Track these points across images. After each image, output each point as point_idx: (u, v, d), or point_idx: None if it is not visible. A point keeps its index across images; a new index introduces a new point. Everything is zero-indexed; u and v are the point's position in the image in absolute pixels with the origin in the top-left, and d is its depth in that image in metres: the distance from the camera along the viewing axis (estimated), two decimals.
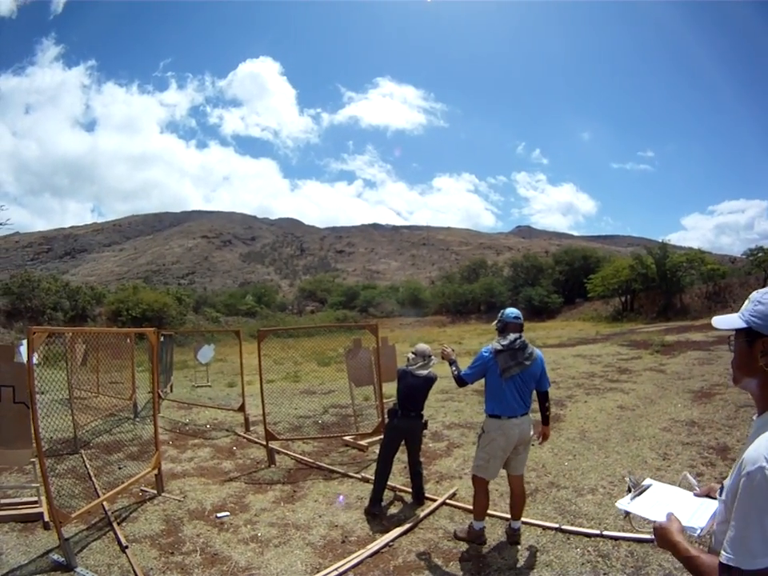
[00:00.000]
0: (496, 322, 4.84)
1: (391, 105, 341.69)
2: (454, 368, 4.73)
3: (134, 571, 4.41)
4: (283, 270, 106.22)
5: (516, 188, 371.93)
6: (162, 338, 12.35)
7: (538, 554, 4.39)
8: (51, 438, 7.59)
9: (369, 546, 4.70)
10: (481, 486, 4.73)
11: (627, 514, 1.99)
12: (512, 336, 4.60)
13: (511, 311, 4.81)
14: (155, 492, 6.27)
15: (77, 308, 28.91)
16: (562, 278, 52.05)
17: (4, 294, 27.41)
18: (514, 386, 4.52)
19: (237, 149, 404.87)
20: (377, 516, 5.41)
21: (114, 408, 10.59)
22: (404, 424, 5.68)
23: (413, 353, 5.83)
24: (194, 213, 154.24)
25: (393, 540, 4.84)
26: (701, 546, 1.74)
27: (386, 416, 6.16)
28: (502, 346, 4.55)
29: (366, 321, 39.39)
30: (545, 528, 4.83)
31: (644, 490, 2.04)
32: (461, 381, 4.66)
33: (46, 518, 5.34)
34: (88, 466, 7.29)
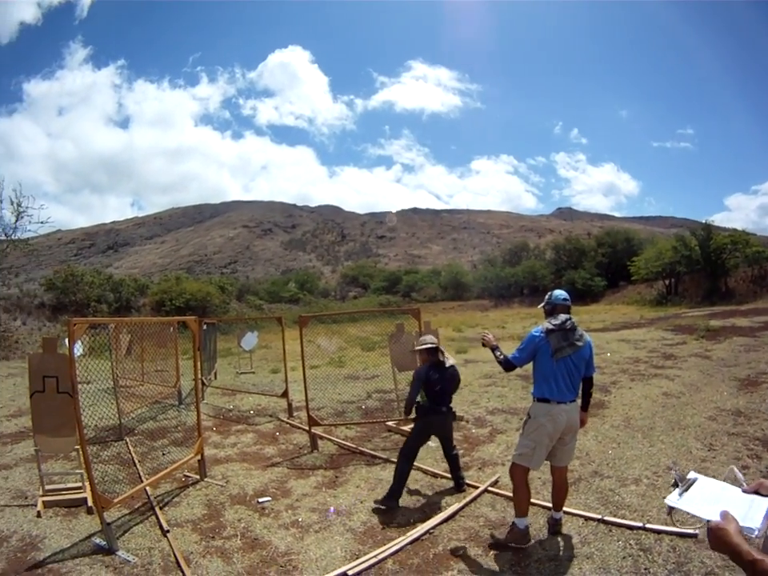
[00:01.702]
0: (544, 303, 4.72)
1: (425, 88, 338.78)
2: (498, 353, 4.56)
3: (174, 555, 4.50)
4: (325, 257, 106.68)
5: (556, 169, 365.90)
6: (205, 327, 12.54)
7: (579, 545, 4.31)
8: (97, 425, 7.78)
9: (409, 533, 4.68)
10: (521, 477, 4.47)
11: (671, 509, 1.92)
12: (563, 316, 4.48)
13: (560, 293, 4.71)
14: (198, 477, 6.39)
15: (121, 300, 29.56)
16: (604, 260, 50.76)
17: (48, 289, 28.16)
18: (565, 368, 4.38)
19: (273, 138, 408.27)
20: (391, 510, 5.29)
21: (159, 395, 10.83)
22: (437, 420, 5.66)
23: (428, 345, 5.74)
24: (233, 203, 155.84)
25: (433, 527, 4.81)
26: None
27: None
28: (554, 325, 4.41)
29: (409, 305, 39.37)
30: (587, 518, 4.74)
31: (691, 484, 1.94)
32: (508, 364, 4.50)
33: (89, 503, 5.51)
34: (132, 453, 7.48)
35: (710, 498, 1.84)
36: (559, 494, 4.65)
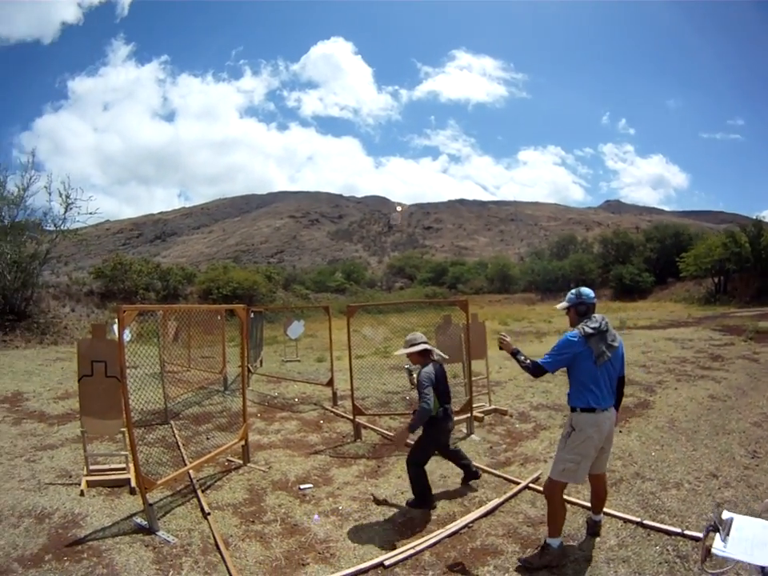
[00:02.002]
0: (574, 303, 4.33)
1: (469, 78, 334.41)
2: (522, 357, 4.24)
3: (214, 537, 4.58)
4: (371, 247, 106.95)
5: (604, 160, 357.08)
6: (252, 315, 12.67)
7: (617, 547, 4.21)
8: (143, 409, 7.88)
9: (448, 527, 4.67)
10: (559, 495, 4.19)
11: (707, 556, 1.86)
12: (598, 316, 4.23)
13: (589, 291, 4.38)
14: (241, 462, 6.47)
15: (168, 288, 30.21)
16: (653, 255, 49.50)
17: (97, 277, 28.93)
18: (607, 372, 4.14)
19: (318, 129, 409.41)
20: (425, 511, 5.08)
21: (205, 381, 10.99)
22: (448, 425, 5.36)
23: (424, 346, 5.31)
24: (280, 194, 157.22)
25: (472, 522, 4.79)
26: None
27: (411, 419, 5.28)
28: (592, 329, 4.12)
29: (455, 297, 39.13)
30: (626, 521, 4.61)
31: (729, 526, 1.88)
32: (538, 369, 4.16)
33: (133, 484, 5.62)
34: (177, 436, 7.63)
35: (756, 541, 1.78)
36: (600, 498, 4.50)
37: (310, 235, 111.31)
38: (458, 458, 5.68)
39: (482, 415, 8.23)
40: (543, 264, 54.99)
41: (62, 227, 23.51)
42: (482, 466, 6.09)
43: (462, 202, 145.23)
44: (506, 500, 5.21)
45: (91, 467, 5.98)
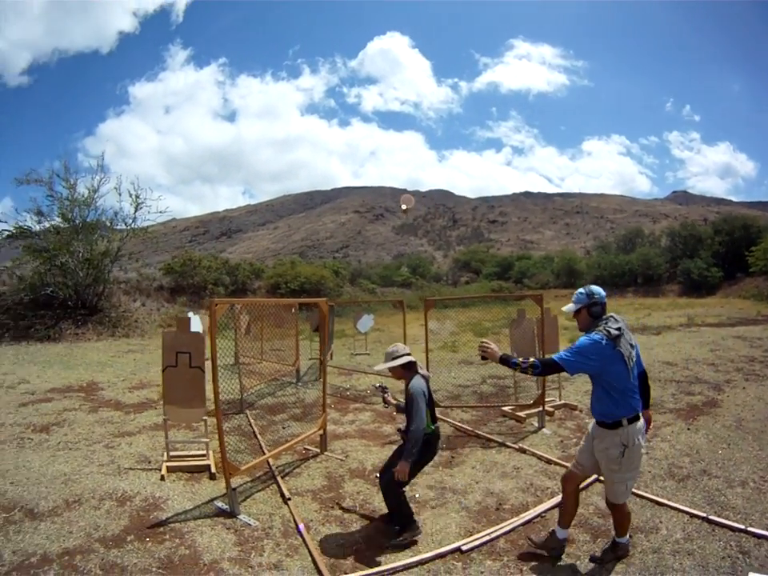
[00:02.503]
0: (587, 304, 3.94)
1: (529, 67, 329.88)
2: (516, 360, 3.82)
3: (295, 521, 4.72)
4: (436, 242, 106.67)
5: (669, 149, 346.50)
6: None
7: (682, 540, 4.29)
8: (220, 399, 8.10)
9: (522, 515, 4.79)
10: (573, 487, 4.13)
11: None
12: (617, 317, 3.90)
13: (600, 290, 4.00)
14: (318, 451, 6.61)
15: (236, 283, 30.89)
16: (721, 249, 47.36)
17: (167, 273, 29.80)
18: (634, 374, 3.86)
19: (380, 124, 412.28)
20: (416, 536, 4.47)
21: (278, 373, 11.17)
22: (439, 443, 4.79)
23: (409, 359, 4.63)
24: (344, 189, 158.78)
25: (545, 511, 4.89)
26: None
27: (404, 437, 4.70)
28: (616, 329, 3.77)
29: (520, 292, 38.63)
30: (692, 516, 4.67)
31: None
32: (549, 367, 3.82)
33: (213, 470, 5.87)
34: (253, 425, 7.84)
35: None
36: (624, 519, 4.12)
37: (375, 230, 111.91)
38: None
39: (553, 410, 8.24)
40: (610, 258, 53.30)
41: (132, 226, 24.55)
42: (553, 458, 6.19)
43: (526, 194, 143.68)
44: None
45: (172, 454, 6.23)
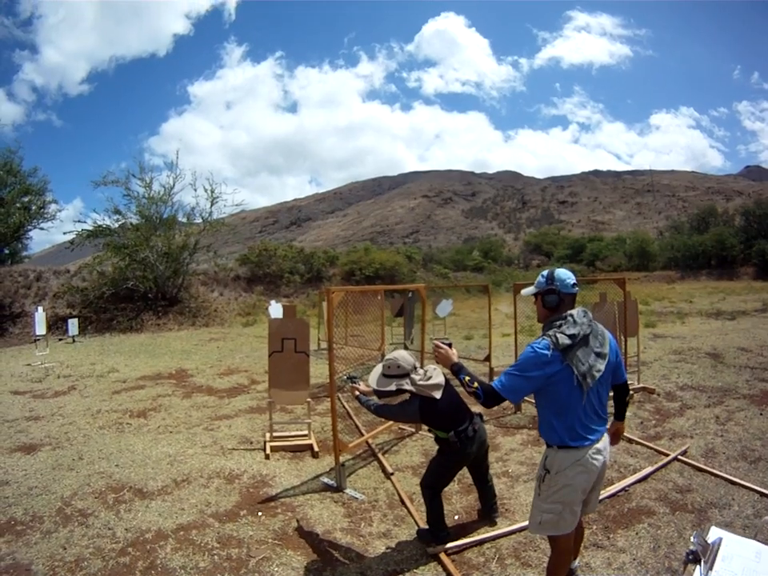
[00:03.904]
0: (542, 291, 3.14)
1: (589, 39, 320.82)
2: (466, 377, 3.03)
3: (399, 494, 5.09)
4: (506, 224, 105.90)
5: (740, 120, 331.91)
6: (410, 294, 13.15)
7: (752, 516, 4.46)
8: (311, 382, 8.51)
9: (608, 488, 4.97)
10: (564, 543, 3.18)
11: None
12: (578, 316, 3.02)
13: (567, 274, 3.12)
14: (413, 430, 6.91)
15: (312, 270, 31.48)
16: None
17: (243, 264, 30.75)
18: (596, 393, 3.01)
19: (442, 106, 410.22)
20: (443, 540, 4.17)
21: (364, 358, 11.51)
22: (472, 447, 4.21)
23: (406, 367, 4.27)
24: (411, 174, 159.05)
25: (629, 486, 5.12)
26: None
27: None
28: (570, 337, 2.92)
29: (593, 275, 37.86)
30: (762, 495, 4.81)
31: (716, 550, 1.62)
32: (491, 398, 2.95)
33: (315, 449, 6.25)
34: (347, 407, 8.23)
35: (751, 568, 1.59)
36: (576, 542, 3.45)
37: (444, 214, 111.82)
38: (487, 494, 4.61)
39: (632, 392, 8.24)
40: (683, 239, 51.20)
41: (208, 219, 25.79)
42: (635, 438, 6.40)
43: (596, 173, 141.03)
44: (657, 469, 5.49)
45: (275, 434, 6.62)
